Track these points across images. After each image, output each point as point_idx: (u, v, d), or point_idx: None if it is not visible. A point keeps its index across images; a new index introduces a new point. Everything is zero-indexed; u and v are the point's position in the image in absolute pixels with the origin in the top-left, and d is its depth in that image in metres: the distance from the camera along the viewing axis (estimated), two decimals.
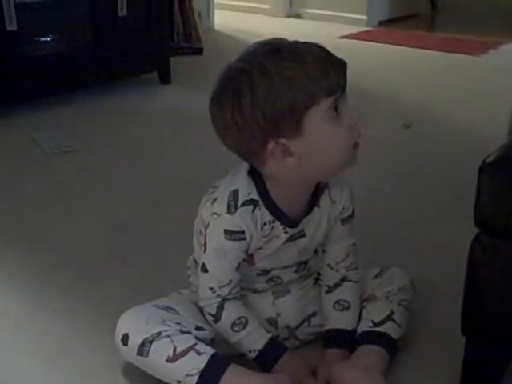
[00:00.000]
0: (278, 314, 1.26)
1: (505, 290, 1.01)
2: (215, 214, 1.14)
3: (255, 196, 1.14)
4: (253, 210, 1.13)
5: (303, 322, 1.28)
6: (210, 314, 1.18)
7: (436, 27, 5.14)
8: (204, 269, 1.18)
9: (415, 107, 2.80)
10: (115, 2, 2.77)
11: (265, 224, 1.15)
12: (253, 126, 1.05)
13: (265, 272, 1.24)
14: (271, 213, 1.15)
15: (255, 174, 1.14)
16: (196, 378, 1.10)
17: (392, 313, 1.23)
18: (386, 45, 4.03)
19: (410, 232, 1.74)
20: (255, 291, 1.26)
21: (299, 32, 3.96)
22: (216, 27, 4.39)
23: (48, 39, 2.68)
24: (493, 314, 1.04)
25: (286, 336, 1.26)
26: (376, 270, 1.32)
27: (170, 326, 1.15)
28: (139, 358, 1.14)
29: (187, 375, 1.11)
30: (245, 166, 1.15)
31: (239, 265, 1.17)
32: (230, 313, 1.17)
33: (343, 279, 1.26)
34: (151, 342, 1.13)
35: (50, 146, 2.28)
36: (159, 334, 1.13)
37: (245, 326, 1.17)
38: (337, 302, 1.25)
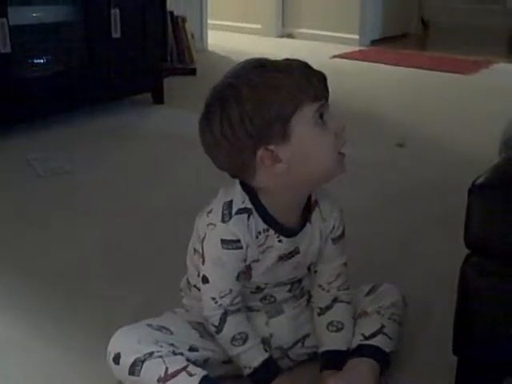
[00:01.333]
0: (271, 335, 1.26)
1: (495, 311, 1.02)
2: (211, 224, 1.16)
3: (249, 205, 1.16)
4: (247, 219, 1.15)
5: (296, 343, 1.28)
6: (213, 325, 1.18)
7: (427, 46, 5.18)
8: (205, 280, 1.18)
9: (408, 126, 2.82)
10: (109, 23, 2.80)
11: (259, 233, 1.17)
12: (241, 136, 1.08)
13: (258, 290, 1.24)
14: (265, 221, 1.16)
15: (247, 186, 1.17)
16: None
17: (383, 326, 1.24)
18: (378, 64, 4.07)
19: (402, 251, 1.74)
20: (249, 309, 1.26)
21: (292, 52, 3.98)
22: (209, 48, 4.42)
23: (42, 61, 2.69)
24: (483, 334, 1.05)
25: (278, 356, 1.26)
26: (368, 287, 1.33)
27: (162, 346, 1.15)
28: (131, 377, 1.14)
29: None
30: (235, 182, 1.18)
31: (239, 275, 1.18)
32: (232, 327, 1.17)
33: (335, 300, 1.26)
34: (143, 361, 1.13)
35: (43, 167, 2.28)
36: (151, 354, 1.13)
37: (244, 341, 1.17)
38: (330, 323, 1.25)
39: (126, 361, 1.14)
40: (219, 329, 1.18)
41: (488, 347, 1.06)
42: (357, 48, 4.53)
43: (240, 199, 1.16)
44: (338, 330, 1.24)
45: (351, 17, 4.63)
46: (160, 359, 1.13)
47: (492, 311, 1.02)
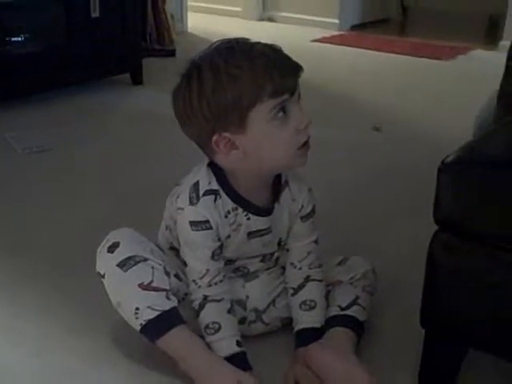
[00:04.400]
0: (247, 297, 1.30)
1: (461, 287, 1.05)
2: (179, 208, 1.20)
3: (215, 186, 1.19)
4: (215, 200, 1.18)
5: (269, 304, 1.31)
6: (194, 310, 1.22)
7: (406, 32, 5.21)
8: (185, 263, 1.23)
9: (385, 110, 2.85)
10: (88, 3, 2.78)
11: (228, 212, 1.20)
12: (199, 118, 1.11)
13: (230, 262, 1.27)
14: (233, 200, 1.19)
15: (214, 166, 1.19)
16: (155, 314, 1.15)
17: (357, 297, 1.28)
18: (358, 49, 4.08)
19: (375, 229, 1.78)
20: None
21: (272, 35, 3.97)
22: (189, 30, 4.40)
23: (20, 39, 2.67)
24: (450, 308, 1.08)
25: (253, 319, 1.30)
26: (339, 258, 1.37)
27: (156, 259, 1.21)
28: (117, 269, 1.18)
29: (149, 307, 1.15)
30: (204, 161, 1.21)
31: (213, 254, 1.20)
32: (207, 315, 1.20)
33: (307, 279, 1.29)
34: (137, 262, 1.18)
35: (21, 145, 2.28)
36: (146, 260, 1.19)
37: (216, 331, 1.19)
38: (303, 302, 1.28)
39: (123, 253, 1.19)
40: (197, 314, 1.21)
41: (453, 320, 1.08)
42: (337, 32, 4.54)
43: (206, 180, 1.18)
44: (311, 308, 1.27)
45: (332, 1, 4.63)
46: (151, 270, 1.18)
47: (458, 286, 1.05)
